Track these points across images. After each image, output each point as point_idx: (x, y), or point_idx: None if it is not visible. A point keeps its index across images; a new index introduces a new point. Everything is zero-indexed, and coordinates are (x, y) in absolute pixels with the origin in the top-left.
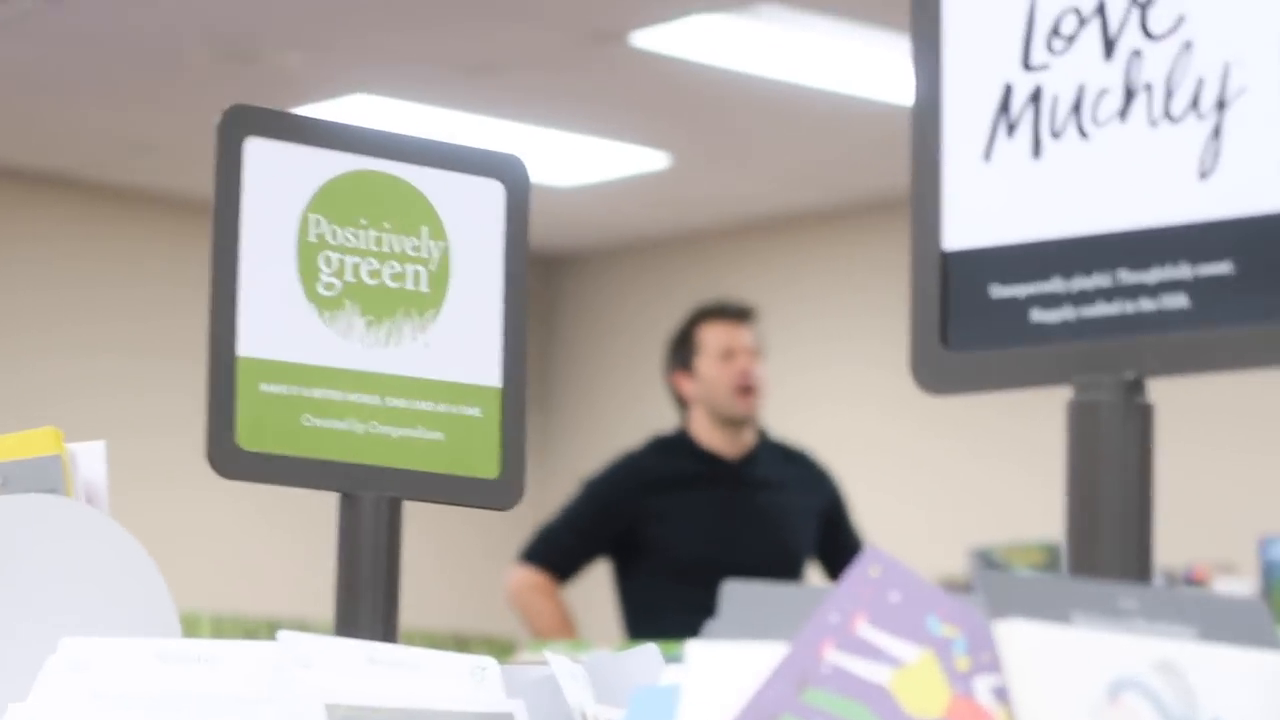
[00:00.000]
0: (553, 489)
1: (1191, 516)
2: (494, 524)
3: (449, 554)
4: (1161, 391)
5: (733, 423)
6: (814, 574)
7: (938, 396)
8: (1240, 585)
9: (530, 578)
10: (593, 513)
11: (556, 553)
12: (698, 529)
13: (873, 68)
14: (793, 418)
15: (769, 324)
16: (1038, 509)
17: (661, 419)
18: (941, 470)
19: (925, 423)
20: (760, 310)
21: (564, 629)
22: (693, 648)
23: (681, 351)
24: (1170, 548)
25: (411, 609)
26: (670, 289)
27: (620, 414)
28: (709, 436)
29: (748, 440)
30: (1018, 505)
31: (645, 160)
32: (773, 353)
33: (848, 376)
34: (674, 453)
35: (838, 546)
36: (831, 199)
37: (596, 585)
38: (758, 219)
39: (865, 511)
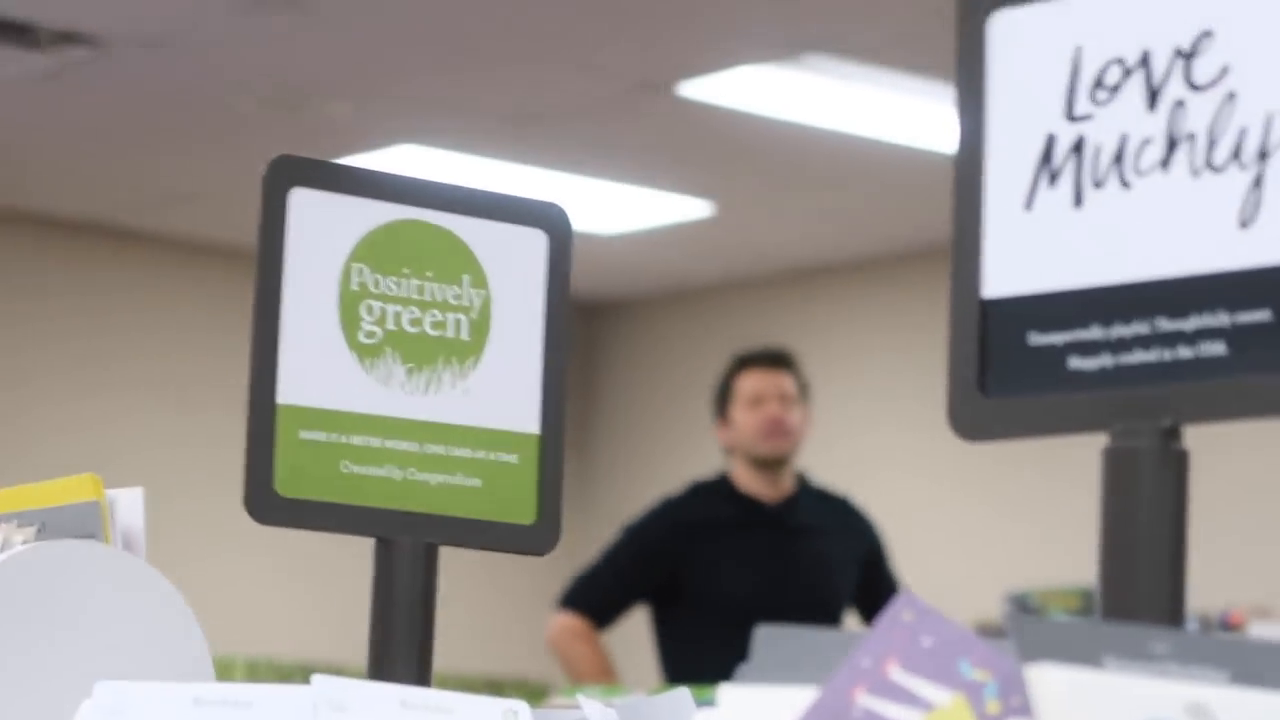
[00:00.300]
0: (591, 535)
1: (1228, 560)
2: (531, 570)
3: (484, 599)
4: (1199, 433)
5: (766, 466)
6: (852, 620)
7: (975, 443)
8: (1277, 630)
9: (570, 623)
10: (632, 557)
11: (596, 598)
12: (737, 574)
13: (917, 117)
14: (829, 463)
15: (810, 372)
16: (1070, 558)
17: (701, 466)
18: (977, 517)
19: (961, 473)
20: (801, 358)
21: (603, 674)
22: (725, 690)
23: (720, 400)
24: (1206, 592)
25: (446, 654)
26: (712, 337)
27: (659, 461)
28: (748, 482)
29: (786, 485)
30: (1052, 554)
31: (689, 209)
32: (813, 400)
33: (886, 424)
34: (713, 497)
35: (876, 593)
36: (874, 248)
37: (636, 630)
38: (800, 267)
39: (902, 558)
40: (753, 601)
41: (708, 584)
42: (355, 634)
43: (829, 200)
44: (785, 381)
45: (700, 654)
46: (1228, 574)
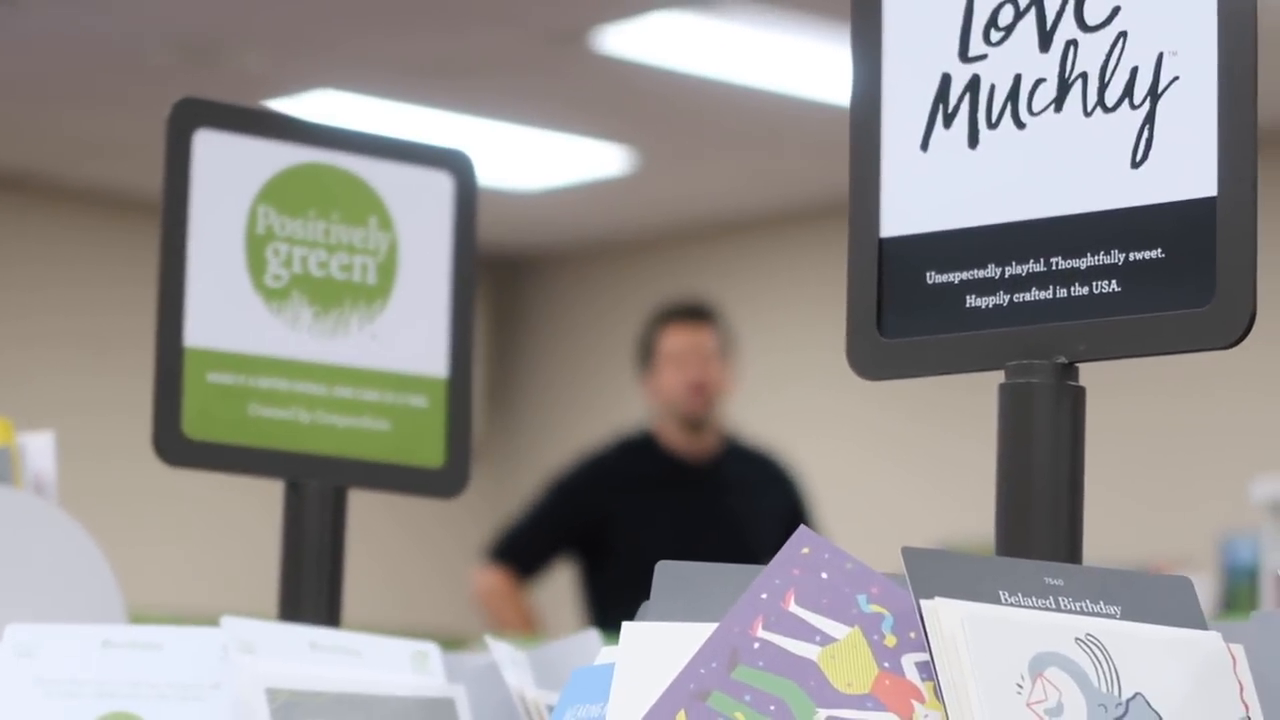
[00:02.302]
0: (511, 488)
1: (1152, 514)
2: (449, 520)
3: (401, 549)
4: (1124, 383)
5: (691, 424)
6: None
7: (873, 381)
8: (1198, 581)
9: (495, 576)
10: (558, 511)
11: (522, 551)
12: (661, 530)
13: (835, 68)
14: (750, 417)
15: (730, 326)
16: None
17: (621, 419)
18: (892, 470)
19: (879, 425)
20: (721, 311)
21: (527, 627)
22: (627, 628)
23: (644, 356)
24: (1129, 542)
25: (362, 604)
26: (632, 291)
27: (580, 415)
28: (673, 438)
29: (711, 441)
30: (970, 508)
31: (606, 162)
32: (735, 350)
33: (806, 378)
34: (639, 454)
35: None
36: (793, 201)
37: (562, 583)
38: (718, 221)
39: (821, 510)
40: (675, 556)
41: (631, 538)
42: (266, 583)
43: (747, 153)
44: (708, 337)
45: (622, 607)
46: (1150, 525)
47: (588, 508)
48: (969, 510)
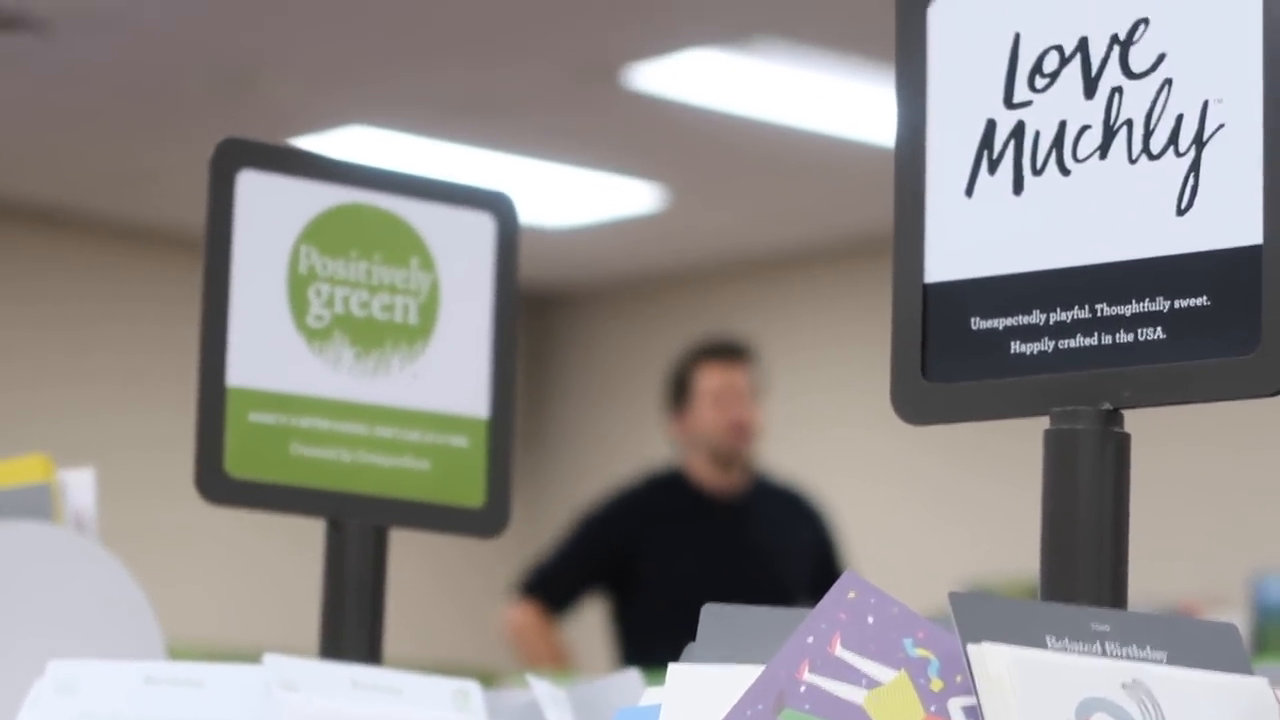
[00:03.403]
0: (542, 525)
1: (1183, 551)
2: (481, 557)
3: (434, 586)
4: (1166, 424)
5: (725, 461)
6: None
7: (917, 426)
8: (1229, 620)
9: (525, 612)
10: (588, 546)
11: (552, 586)
12: (692, 564)
13: (868, 106)
14: (781, 454)
15: (762, 362)
16: (1026, 554)
17: (650, 456)
18: (940, 496)
19: (913, 465)
20: (754, 350)
21: (558, 662)
22: (673, 670)
23: (677, 393)
24: (1162, 583)
25: (395, 640)
26: (662, 328)
27: (610, 452)
28: (703, 474)
29: (741, 478)
30: (1007, 549)
31: (638, 198)
32: (767, 388)
33: (838, 415)
34: (668, 489)
35: (829, 586)
36: (824, 237)
37: (592, 619)
38: (750, 257)
39: (854, 548)
40: (705, 593)
41: (661, 574)
42: (306, 621)
43: (777, 190)
44: (747, 376)
45: (653, 643)
46: (1184, 564)
47: (617, 543)
48: (1002, 554)
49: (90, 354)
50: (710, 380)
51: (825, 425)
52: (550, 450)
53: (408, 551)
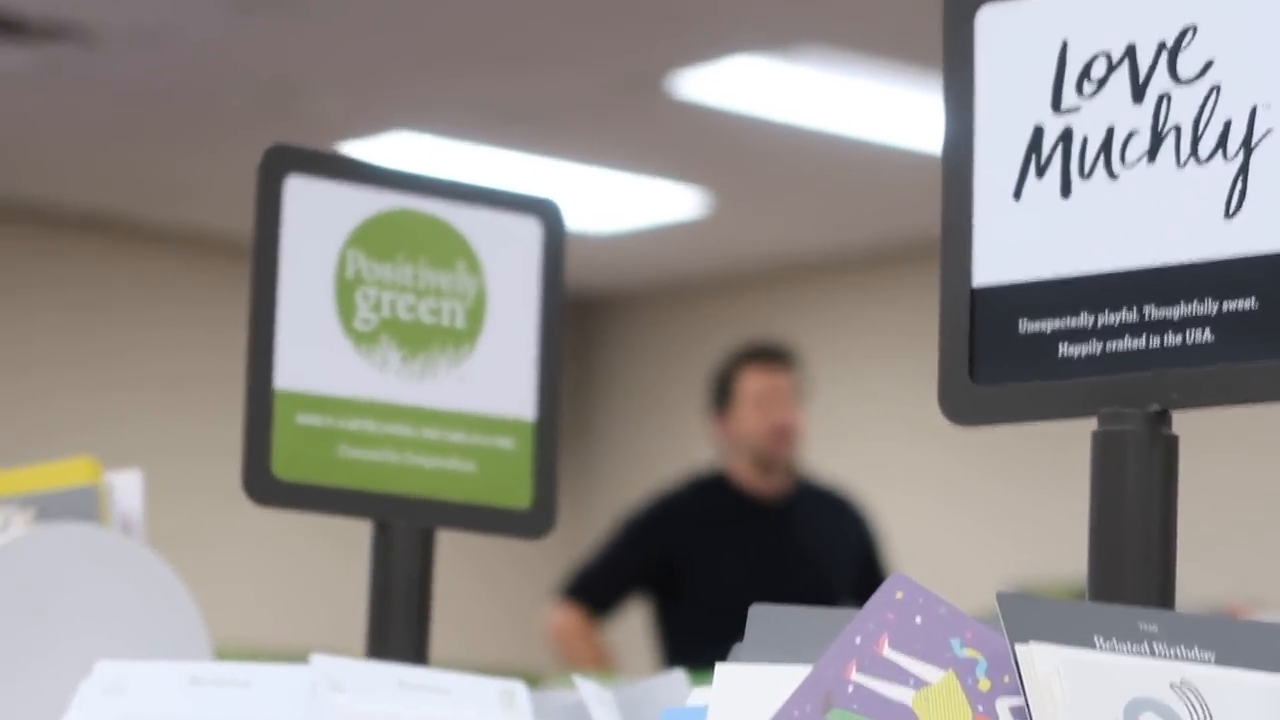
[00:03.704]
0: (587, 528)
1: (1226, 555)
2: (526, 559)
3: (478, 588)
4: (1203, 427)
5: (768, 465)
6: None
7: (966, 427)
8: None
9: (568, 615)
10: (631, 549)
11: (595, 590)
12: (735, 567)
13: (911, 112)
14: (824, 459)
15: (805, 368)
16: (1072, 557)
17: (696, 458)
18: (981, 503)
19: (965, 457)
20: (797, 354)
21: (601, 665)
22: (720, 670)
23: (720, 395)
24: (1204, 585)
25: (439, 642)
26: (706, 333)
27: (655, 455)
28: (746, 476)
29: (784, 481)
30: (1053, 551)
31: (683, 204)
32: (810, 393)
33: (882, 421)
34: (713, 492)
35: (872, 588)
36: (869, 243)
37: (635, 621)
38: (793, 263)
39: (899, 551)
40: (749, 595)
41: (705, 577)
42: (351, 623)
43: (821, 196)
44: (790, 380)
45: (697, 647)
46: (1228, 566)
47: (660, 546)
48: (1045, 560)
49: (138, 360)
50: (752, 383)
51: (869, 431)
52: (595, 452)
53: (454, 553)
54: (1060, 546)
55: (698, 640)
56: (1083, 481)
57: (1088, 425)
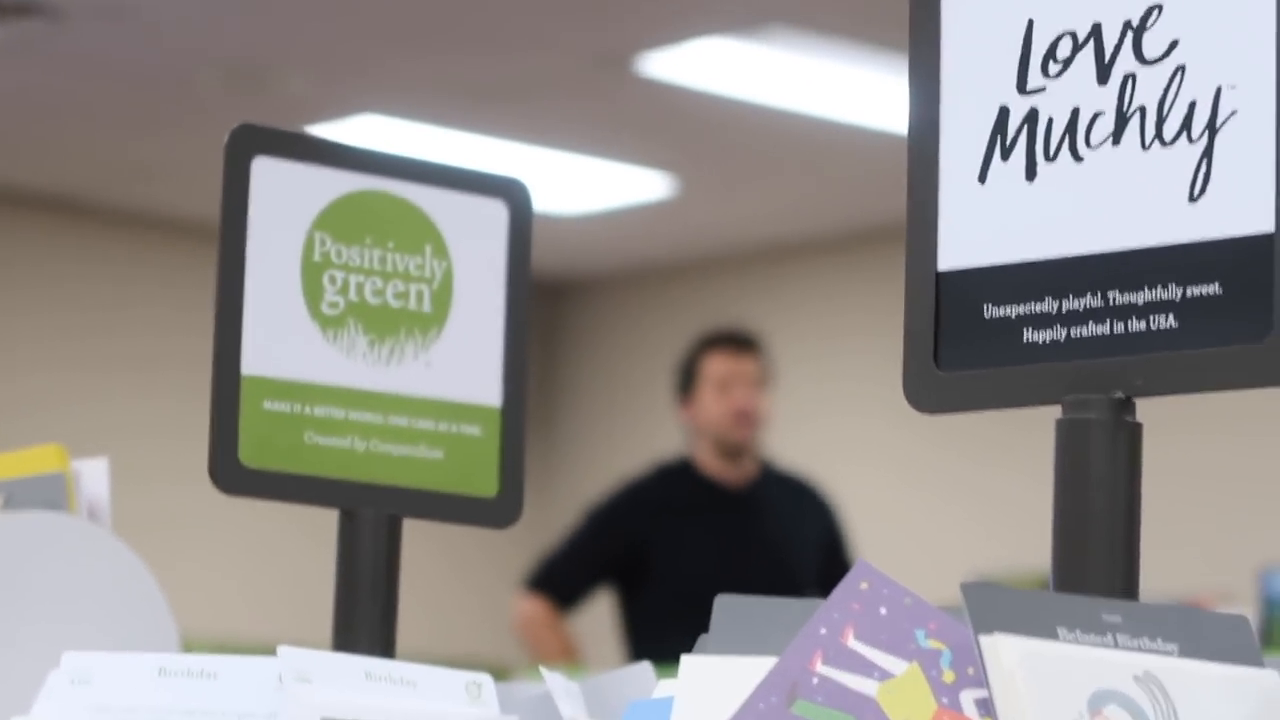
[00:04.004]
0: (553, 515)
1: (1192, 546)
2: (492, 549)
3: (444, 578)
4: (1167, 420)
5: (732, 452)
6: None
7: (930, 414)
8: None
9: (534, 606)
10: (596, 540)
11: (560, 580)
12: (702, 555)
13: (879, 94)
14: (790, 444)
15: (771, 351)
16: (1036, 544)
17: (662, 445)
18: (948, 486)
19: (924, 454)
20: (763, 337)
21: (568, 657)
22: (686, 662)
23: (684, 381)
24: (1170, 576)
25: (405, 633)
26: (673, 316)
27: (621, 440)
28: (711, 464)
29: (749, 469)
30: (1017, 539)
31: (649, 187)
32: (775, 379)
33: (848, 405)
34: (677, 480)
35: (837, 576)
36: (836, 226)
37: (602, 612)
38: (761, 246)
39: (863, 539)
40: (715, 583)
41: (671, 566)
42: (320, 609)
43: (790, 179)
44: (753, 365)
45: (663, 636)
46: (1192, 557)
47: (626, 535)
48: (1011, 544)
49: (101, 343)
50: (715, 368)
51: (835, 415)
52: (560, 438)
53: (418, 543)
54: (1027, 530)
55: (663, 628)
56: (1050, 464)
57: (1056, 408)
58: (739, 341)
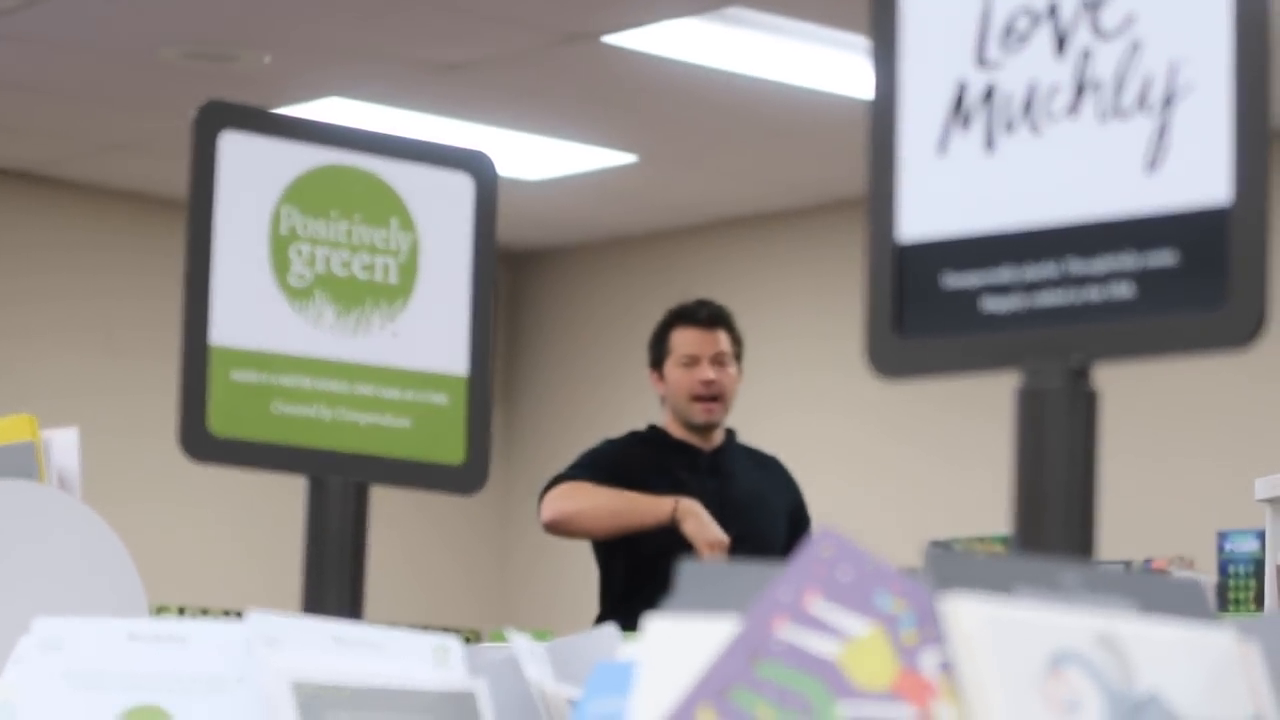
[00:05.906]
0: (517, 484)
1: (1152, 513)
2: (458, 517)
3: (414, 547)
4: (1124, 389)
5: (696, 425)
6: None
7: (891, 381)
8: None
9: (568, 485)
10: (595, 469)
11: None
12: None
13: (839, 68)
14: (756, 416)
15: (738, 319)
16: (994, 502)
17: (625, 413)
18: (902, 467)
19: (887, 421)
20: (728, 303)
21: (625, 499)
22: (650, 623)
23: (655, 352)
24: (1130, 543)
25: (375, 602)
26: (637, 286)
27: (584, 409)
28: (680, 434)
29: (716, 439)
30: (975, 500)
31: (612, 160)
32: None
33: (811, 372)
34: (650, 444)
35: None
36: (797, 198)
37: (581, 576)
38: (723, 217)
39: (826, 507)
40: (686, 543)
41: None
42: (287, 581)
43: (752, 150)
44: (720, 341)
45: (637, 596)
46: (1149, 525)
47: (616, 477)
48: (981, 504)
49: (69, 316)
50: (680, 341)
51: (795, 382)
52: (526, 406)
53: (388, 511)
54: (979, 514)
55: (637, 589)
56: (1003, 449)
57: (1006, 396)
58: (705, 315)
